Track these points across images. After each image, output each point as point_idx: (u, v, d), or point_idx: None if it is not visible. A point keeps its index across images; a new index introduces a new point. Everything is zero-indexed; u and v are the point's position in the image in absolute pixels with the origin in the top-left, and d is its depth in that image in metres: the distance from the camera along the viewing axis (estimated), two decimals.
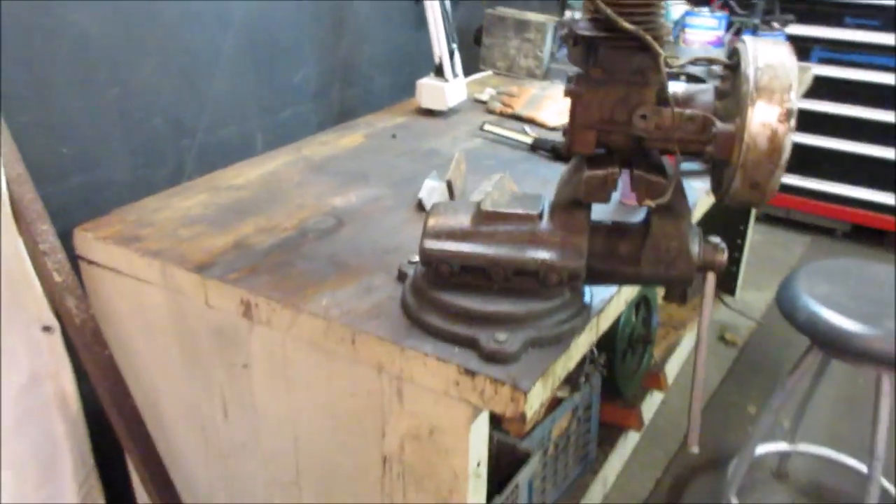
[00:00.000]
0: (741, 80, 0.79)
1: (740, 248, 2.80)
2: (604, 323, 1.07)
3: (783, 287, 1.68)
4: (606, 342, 2.00)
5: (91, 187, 1.33)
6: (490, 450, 1.58)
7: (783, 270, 2.60)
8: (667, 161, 0.92)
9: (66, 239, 1.21)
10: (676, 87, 0.86)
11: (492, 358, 0.91)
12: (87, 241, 1.22)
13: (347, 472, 1.13)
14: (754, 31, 2.05)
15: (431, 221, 0.98)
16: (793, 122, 0.76)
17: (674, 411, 2.39)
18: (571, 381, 1.86)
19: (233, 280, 1.08)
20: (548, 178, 1.44)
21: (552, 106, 1.78)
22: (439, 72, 1.80)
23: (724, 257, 0.93)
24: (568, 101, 0.88)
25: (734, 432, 2.26)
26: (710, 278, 0.95)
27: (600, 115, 0.86)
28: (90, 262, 1.24)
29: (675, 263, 0.92)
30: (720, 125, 0.80)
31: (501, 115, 1.83)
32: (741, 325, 2.85)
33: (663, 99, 0.84)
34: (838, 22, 3.16)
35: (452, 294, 0.96)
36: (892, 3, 3.02)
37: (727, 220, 2.75)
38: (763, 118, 0.77)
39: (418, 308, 0.99)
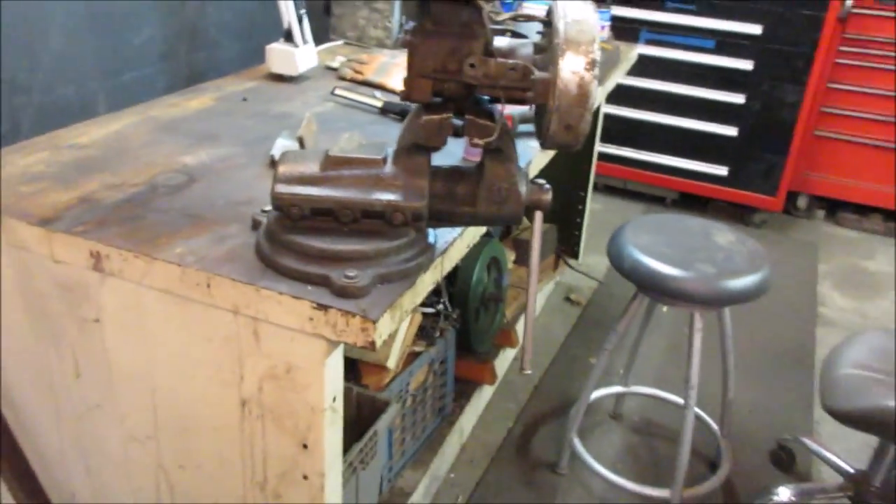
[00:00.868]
0: (554, 34, 0.90)
1: (581, 214, 3.02)
2: (448, 263, 1.16)
3: (612, 240, 1.86)
4: (460, 299, 2.12)
5: None
6: (350, 401, 1.65)
7: None
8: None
9: None
10: (501, 42, 0.96)
11: (343, 293, 0.97)
12: None
13: (207, 420, 1.16)
14: None
15: (282, 168, 1.03)
16: (597, 71, 0.88)
17: None
18: (427, 335, 1.96)
19: (80, 233, 1.08)
20: (396, 138, 1.51)
21: (402, 73, 1.85)
22: (289, 37, 1.82)
23: (548, 196, 1.04)
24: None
25: (578, 381, 2.46)
26: (538, 216, 1.06)
27: (434, 65, 0.95)
28: None
29: (507, 202, 1.02)
30: (538, 73, 0.91)
31: (352, 81, 1.89)
32: (584, 287, 3.08)
33: (489, 51, 0.93)
34: (660, 6, 3.46)
35: (304, 236, 1.02)
36: None
37: (569, 188, 2.96)
38: (572, 67, 0.88)
39: (272, 251, 1.03)
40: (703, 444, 2.18)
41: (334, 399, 1.07)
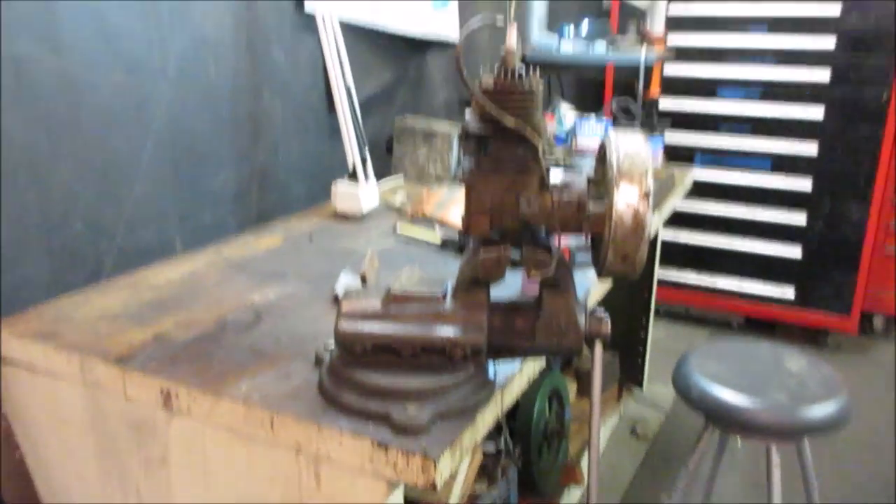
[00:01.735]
0: (608, 167, 0.93)
1: (644, 342, 2.95)
2: (508, 398, 1.15)
3: (677, 368, 1.81)
4: (521, 435, 2.07)
5: (8, 288, 1.34)
6: None
7: None
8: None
9: None
10: (556, 175, 0.99)
11: (403, 430, 0.97)
12: (4, 338, 1.22)
13: None
14: None
15: (345, 305, 1.05)
16: (651, 201, 0.89)
17: None
18: (488, 475, 1.90)
19: (152, 370, 1.11)
20: (456, 272, 1.54)
21: (460, 207, 1.91)
22: (353, 176, 1.92)
23: (608, 327, 1.03)
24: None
25: None
26: (598, 347, 1.05)
27: (491, 201, 0.98)
28: (4, 362, 1.24)
29: (566, 334, 1.02)
30: (592, 206, 0.93)
31: (413, 217, 1.95)
32: (650, 419, 2.97)
33: (544, 185, 0.96)
34: (713, 130, 3.51)
35: (366, 372, 1.03)
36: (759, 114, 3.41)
37: (629, 316, 2.92)
38: (627, 199, 0.90)
39: (334, 388, 1.04)
40: None
41: None
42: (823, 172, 3.34)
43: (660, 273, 3.07)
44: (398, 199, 2.05)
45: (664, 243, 3.33)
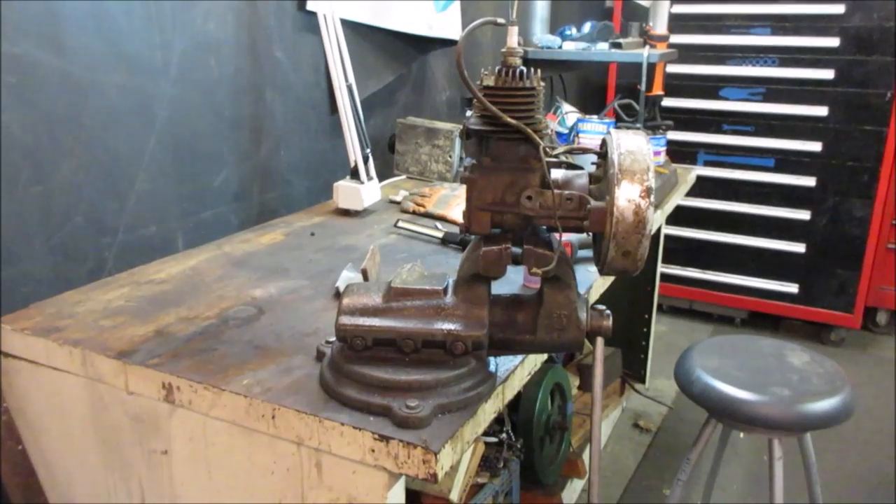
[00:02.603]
0: (609, 165, 0.93)
1: (646, 337, 2.96)
2: (509, 391, 1.15)
3: (680, 363, 1.81)
4: (523, 428, 2.07)
5: (11, 283, 1.35)
6: None
7: None
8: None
9: None
10: (557, 173, 0.99)
11: (404, 424, 0.97)
12: (5, 333, 1.23)
13: None
14: None
15: (346, 300, 1.06)
16: (653, 198, 0.90)
17: None
18: (490, 466, 1.90)
19: (154, 365, 1.12)
20: (457, 267, 1.55)
21: (461, 205, 1.92)
22: (355, 175, 1.92)
23: (609, 322, 1.04)
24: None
25: None
26: (599, 342, 1.05)
27: (493, 198, 0.98)
28: (6, 356, 1.25)
29: (567, 329, 1.02)
30: (594, 203, 0.93)
31: (414, 213, 1.95)
32: (653, 412, 2.97)
33: (545, 183, 0.96)
34: (717, 129, 3.52)
35: (366, 366, 1.03)
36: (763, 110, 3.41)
37: (632, 310, 2.92)
38: (628, 195, 0.90)
39: (335, 382, 1.05)
40: None
41: None
42: (827, 170, 3.35)
43: (663, 269, 3.08)
44: (400, 196, 2.06)
45: (668, 240, 3.34)
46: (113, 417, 1.19)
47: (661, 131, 2.33)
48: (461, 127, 1.02)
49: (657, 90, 2.50)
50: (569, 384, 2.34)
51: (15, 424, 1.21)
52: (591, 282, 1.50)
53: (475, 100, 0.97)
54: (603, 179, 0.97)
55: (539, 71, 0.99)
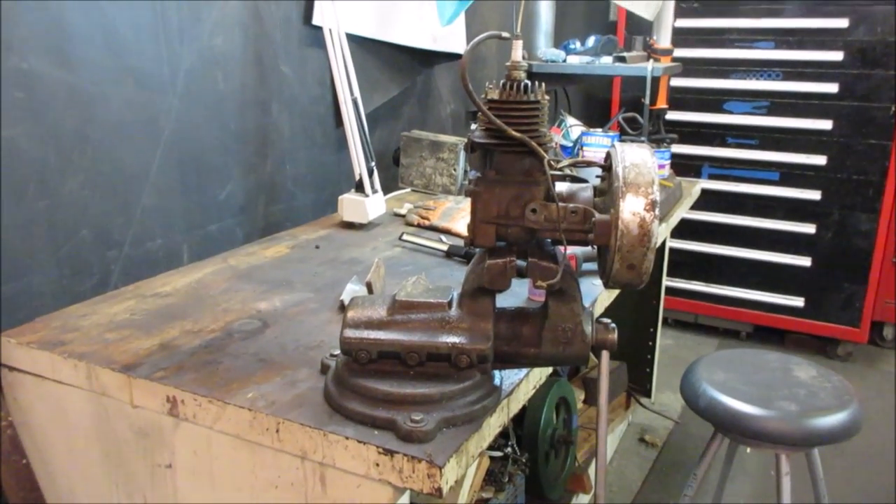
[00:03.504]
0: (613, 178, 0.93)
1: (652, 350, 2.95)
2: (514, 405, 1.15)
3: (685, 377, 1.80)
4: (529, 442, 2.06)
5: (17, 296, 1.36)
6: None
7: None
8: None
9: None
10: (561, 186, 0.99)
11: (409, 438, 0.97)
12: (10, 347, 1.23)
13: None
14: None
15: (350, 313, 1.06)
16: (657, 211, 0.90)
17: None
18: (495, 481, 1.89)
19: (159, 378, 1.12)
20: (461, 280, 1.54)
21: (466, 217, 1.92)
22: (360, 188, 1.93)
23: (614, 336, 1.03)
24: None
25: None
26: (605, 356, 1.05)
27: (497, 211, 0.99)
28: (12, 369, 1.25)
29: (572, 342, 1.02)
30: (598, 216, 0.93)
31: (419, 226, 1.96)
32: (659, 427, 2.96)
33: (550, 196, 0.97)
34: (721, 143, 3.52)
35: (371, 380, 1.03)
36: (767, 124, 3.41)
37: (638, 324, 2.91)
38: (632, 208, 0.90)
39: (339, 395, 1.04)
40: None
41: None
42: (832, 184, 3.34)
43: (668, 282, 3.07)
44: (404, 209, 2.06)
45: (674, 253, 3.33)
46: (117, 431, 1.19)
47: (665, 144, 2.33)
48: (466, 140, 1.02)
49: (661, 104, 2.50)
50: (574, 398, 2.33)
51: (19, 438, 1.21)
52: (596, 295, 1.50)
53: (480, 113, 0.97)
54: (607, 192, 0.97)
55: (543, 84, 1.00)
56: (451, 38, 2.58)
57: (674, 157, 2.47)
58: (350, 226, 1.95)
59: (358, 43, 2.12)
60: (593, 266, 1.59)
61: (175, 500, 1.17)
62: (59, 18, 1.38)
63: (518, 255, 1.01)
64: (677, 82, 3.41)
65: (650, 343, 2.94)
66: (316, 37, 1.98)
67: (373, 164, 1.93)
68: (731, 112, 3.48)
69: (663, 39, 2.64)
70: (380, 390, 1.01)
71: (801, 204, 3.41)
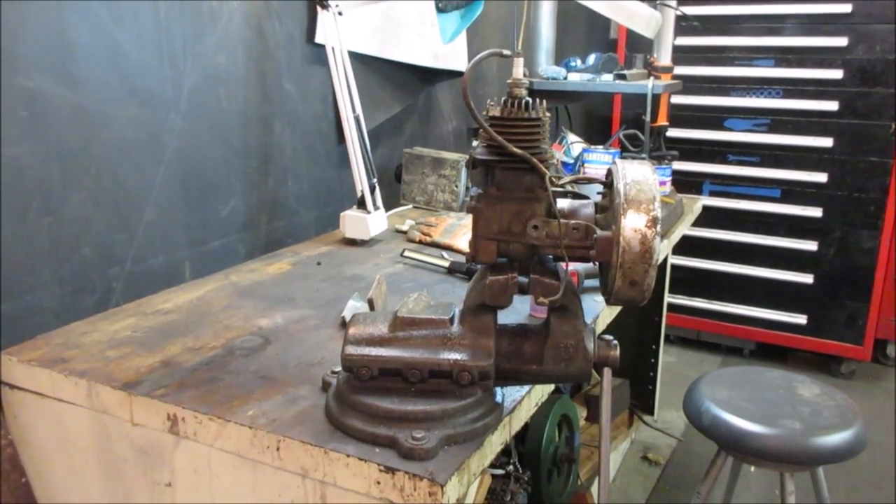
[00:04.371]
0: (615, 195, 0.93)
1: (654, 368, 2.93)
2: (516, 422, 1.14)
3: (688, 394, 1.79)
4: (531, 460, 2.05)
5: (18, 314, 1.36)
6: None
7: None
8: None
9: None
10: (563, 203, 0.99)
11: (410, 455, 0.96)
12: (11, 365, 1.23)
13: None
14: None
15: (352, 330, 1.06)
16: (658, 227, 0.90)
17: None
18: (497, 499, 1.88)
19: (159, 396, 1.12)
20: (463, 297, 1.54)
21: (468, 234, 1.92)
22: (362, 204, 1.93)
23: (616, 353, 1.03)
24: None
25: None
26: (607, 373, 1.04)
27: (499, 227, 0.99)
28: (12, 387, 1.25)
29: (574, 359, 1.02)
30: (600, 232, 0.93)
31: (421, 242, 1.96)
32: (662, 445, 2.94)
33: (552, 212, 0.97)
34: (722, 160, 3.53)
35: (372, 397, 1.02)
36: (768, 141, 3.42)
37: (640, 342, 2.90)
38: (634, 224, 0.90)
39: (341, 413, 1.04)
40: None
41: None
42: (833, 201, 3.34)
43: (670, 299, 3.06)
44: (406, 225, 2.06)
45: (675, 270, 3.33)
46: (117, 449, 1.18)
47: (666, 161, 2.33)
48: (467, 157, 1.03)
49: (662, 121, 2.51)
50: (576, 415, 2.32)
51: (19, 457, 1.20)
52: (598, 312, 1.49)
53: (481, 130, 0.98)
54: (609, 209, 0.97)
55: (544, 101, 1.00)
56: (453, 55, 2.59)
57: (675, 173, 2.47)
58: (352, 242, 1.95)
59: (360, 61, 2.14)
60: (595, 283, 1.59)
61: None
62: (65, 38, 1.39)
63: (520, 271, 1.01)
64: (678, 100, 3.43)
65: (652, 360, 2.93)
66: (318, 55, 2.00)
67: (375, 180, 1.93)
68: (731, 129, 3.49)
69: (664, 57, 2.65)
70: (381, 407, 1.01)
71: (802, 221, 3.41)
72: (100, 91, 1.47)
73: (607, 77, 2.75)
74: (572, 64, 2.89)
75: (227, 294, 1.56)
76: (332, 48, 1.86)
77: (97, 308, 1.49)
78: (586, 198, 1.02)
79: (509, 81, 0.99)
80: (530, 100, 0.99)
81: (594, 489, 2.39)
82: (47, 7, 1.35)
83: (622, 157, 2.31)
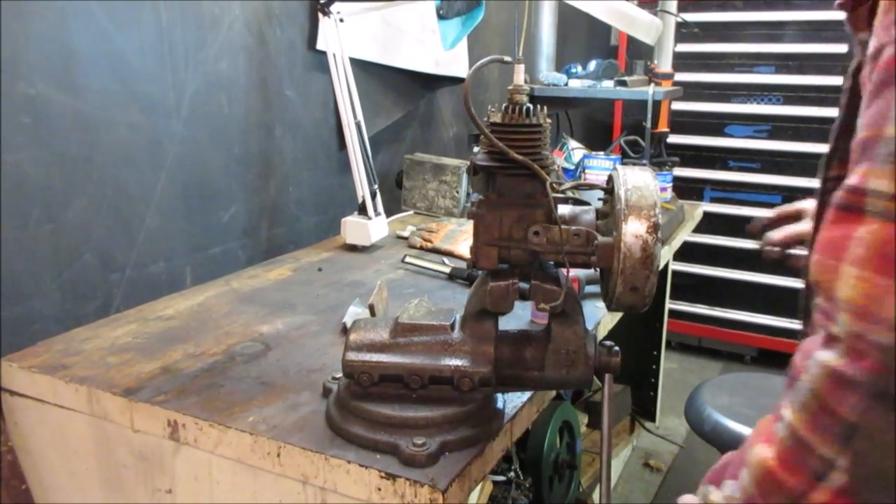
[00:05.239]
0: (616, 201, 0.93)
1: (655, 374, 2.93)
2: (517, 429, 1.14)
3: (690, 401, 1.79)
4: (532, 466, 2.04)
5: (19, 320, 1.36)
6: None
7: None
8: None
9: None
10: (564, 209, 0.99)
11: (411, 462, 0.96)
12: (11, 371, 1.23)
13: None
14: None
15: (353, 336, 1.06)
16: (659, 233, 0.90)
17: None
18: None
19: (160, 402, 1.11)
20: (464, 303, 1.54)
21: (468, 240, 1.92)
22: (362, 210, 1.93)
23: (617, 359, 1.03)
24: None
25: None
26: (608, 380, 1.04)
27: (500, 233, 0.98)
28: (13, 394, 1.25)
29: (575, 365, 1.02)
30: (601, 238, 0.93)
31: (422, 248, 1.96)
32: (664, 451, 2.93)
33: (553, 218, 0.97)
34: (723, 166, 3.53)
35: (373, 403, 1.02)
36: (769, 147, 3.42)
37: (641, 348, 2.90)
38: (635, 230, 0.90)
39: (341, 419, 1.04)
40: None
41: None
42: None
43: (672, 305, 3.05)
44: (407, 231, 2.06)
45: (677, 276, 3.32)
46: (118, 456, 1.18)
47: (667, 167, 2.34)
48: (468, 163, 1.03)
49: (662, 127, 2.51)
50: (577, 422, 2.31)
51: (19, 463, 1.20)
52: (599, 318, 1.49)
53: (482, 136, 0.98)
54: (610, 215, 0.97)
55: (545, 108, 1.00)
56: (454, 62, 2.60)
57: (675, 179, 2.47)
58: (353, 248, 1.95)
59: (361, 67, 2.14)
60: (596, 289, 1.58)
61: None
62: (66, 44, 1.40)
63: (521, 277, 1.01)
64: (678, 106, 3.43)
65: (654, 366, 2.92)
66: (320, 61, 2.00)
67: (376, 186, 1.93)
68: (732, 136, 3.50)
69: (664, 64, 2.66)
70: (382, 414, 1.01)
71: None
72: (101, 98, 1.47)
73: (608, 83, 2.76)
74: (573, 70, 2.90)
75: (228, 300, 1.56)
76: (334, 54, 1.87)
77: (98, 314, 1.49)
78: (587, 204, 1.02)
79: (510, 88, 1.00)
80: (531, 106, 0.99)
81: (595, 496, 2.38)
82: (49, 14, 1.36)
83: (623, 164, 2.31)
